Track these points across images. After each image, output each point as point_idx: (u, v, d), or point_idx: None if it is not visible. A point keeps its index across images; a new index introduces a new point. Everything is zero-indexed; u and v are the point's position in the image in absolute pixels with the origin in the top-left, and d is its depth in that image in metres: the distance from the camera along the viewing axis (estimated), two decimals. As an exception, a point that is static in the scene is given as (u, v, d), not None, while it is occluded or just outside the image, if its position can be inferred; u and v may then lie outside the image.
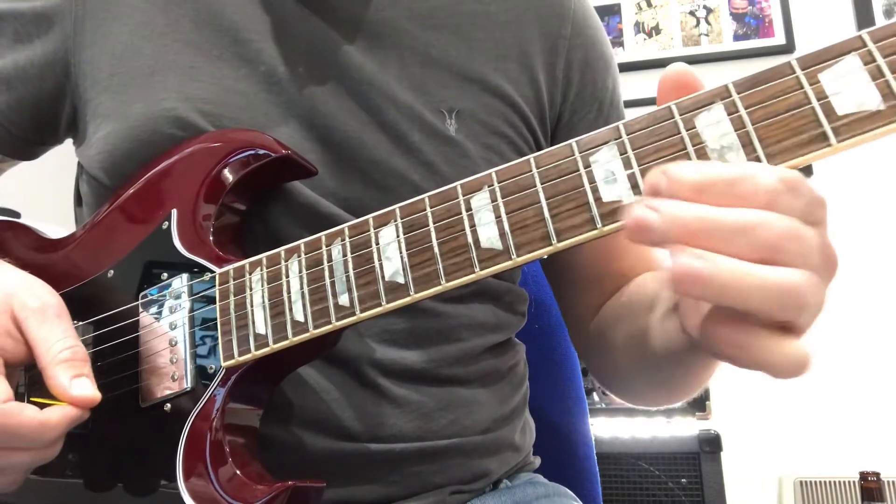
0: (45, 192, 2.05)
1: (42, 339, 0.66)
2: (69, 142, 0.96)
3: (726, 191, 0.44)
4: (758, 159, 0.47)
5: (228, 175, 0.76)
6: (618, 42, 3.04)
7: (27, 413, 0.62)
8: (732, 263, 0.43)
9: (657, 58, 3.00)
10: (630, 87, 2.75)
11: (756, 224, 0.43)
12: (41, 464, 0.65)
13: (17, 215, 1.73)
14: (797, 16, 2.90)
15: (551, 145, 0.90)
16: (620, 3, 3.09)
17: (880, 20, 2.75)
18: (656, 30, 3.04)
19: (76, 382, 0.65)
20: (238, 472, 0.64)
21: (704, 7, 3.00)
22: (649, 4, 3.07)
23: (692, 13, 3.01)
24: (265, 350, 0.64)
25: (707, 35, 2.96)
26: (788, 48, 2.87)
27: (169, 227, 0.76)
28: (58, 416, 0.63)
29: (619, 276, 0.93)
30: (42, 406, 0.63)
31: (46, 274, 0.74)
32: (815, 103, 0.46)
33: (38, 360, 0.66)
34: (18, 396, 0.65)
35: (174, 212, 0.77)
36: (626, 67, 2.98)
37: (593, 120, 0.92)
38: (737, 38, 2.94)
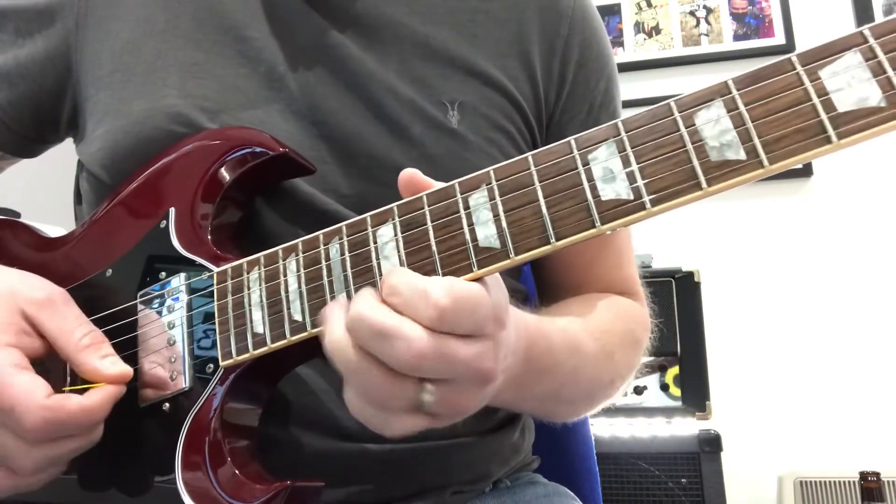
0: (45, 192, 2.05)
1: (60, 331, 0.68)
2: (69, 141, 0.96)
3: (406, 301, 0.52)
4: (757, 157, 0.47)
5: (226, 173, 0.76)
6: (618, 42, 3.04)
7: (71, 403, 0.63)
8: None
9: (657, 58, 3.00)
10: (630, 87, 2.76)
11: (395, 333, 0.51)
12: (87, 448, 0.67)
13: (17, 215, 1.73)
14: (797, 16, 2.90)
15: (545, 145, 0.90)
16: (620, 3, 3.09)
17: (880, 20, 2.74)
18: (656, 30, 3.03)
19: (108, 362, 0.67)
20: (237, 471, 0.64)
21: (704, 7, 3.00)
22: (649, 4, 3.06)
23: (692, 13, 3.00)
24: (263, 349, 0.64)
25: (707, 35, 2.96)
26: (788, 48, 2.86)
27: (167, 225, 0.76)
28: (101, 397, 0.65)
29: (592, 281, 0.94)
30: (78, 392, 0.65)
31: (45, 273, 0.74)
32: (815, 100, 0.46)
33: (60, 351, 0.68)
34: None
35: (172, 210, 0.76)
36: (626, 67, 2.98)
37: (582, 121, 0.92)
38: (737, 38, 2.94)
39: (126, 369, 0.68)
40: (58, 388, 0.68)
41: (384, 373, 0.53)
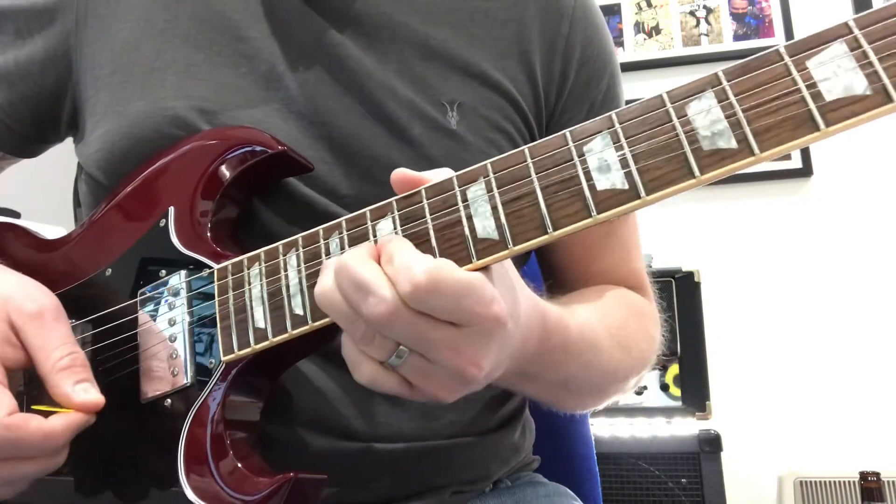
0: (45, 192, 2.05)
1: (41, 347, 0.66)
2: (69, 142, 0.96)
3: (394, 270, 0.53)
4: (748, 146, 0.48)
5: (225, 171, 0.76)
6: (618, 42, 3.04)
7: (32, 424, 0.62)
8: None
9: (657, 58, 3.00)
10: (630, 87, 2.75)
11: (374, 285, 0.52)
12: (47, 472, 0.66)
13: (17, 215, 1.74)
14: (797, 16, 2.90)
15: None
16: (620, 3, 3.10)
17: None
18: (656, 30, 3.04)
19: (79, 388, 0.65)
20: (239, 464, 0.64)
21: (704, 7, 3.00)
22: (649, 4, 3.07)
23: (692, 13, 3.01)
24: (265, 344, 0.64)
25: (707, 35, 2.96)
26: (788, 48, 2.87)
27: (166, 224, 0.76)
28: (63, 424, 0.64)
29: (598, 275, 0.94)
30: (45, 414, 0.64)
31: (44, 274, 0.74)
32: (803, 90, 0.47)
33: (38, 368, 0.66)
34: (17, 398, 0.65)
35: (171, 209, 0.77)
36: (626, 67, 2.98)
37: (582, 121, 0.92)
38: (737, 38, 2.94)
39: (96, 399, 0.66)
40: (35, 402, 0.68)
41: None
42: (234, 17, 0.84)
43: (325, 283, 0.56)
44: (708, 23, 2.98)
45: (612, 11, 3.09)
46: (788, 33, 2.89)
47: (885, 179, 2.68)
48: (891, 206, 2.68)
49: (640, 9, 3.08)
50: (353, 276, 0.53)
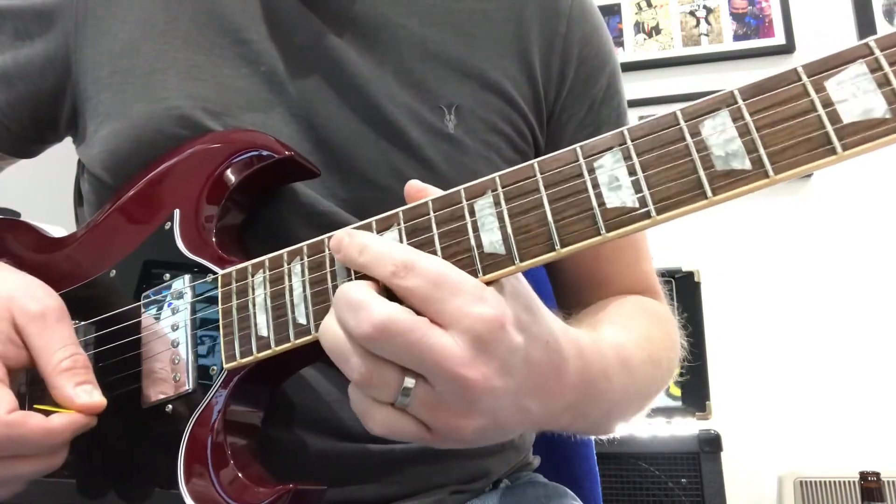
0: (45, 192, 2.05)
1: (43, 348, 0.66)
2: (69, 141, 0.96)
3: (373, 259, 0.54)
4: (763, 167, 0.47)
5: (231, 176, 0.76)
6: (618, 42, 3.04)
7: (32, 422, 0.62)
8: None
9: (657, 58, 3.00)
10: (630, 87, 2.76)
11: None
12: (46, 472, 0.66)
13: (17, 215, 1.73)
14: (797, 16, 2.90)
15: (543, 143, 0.89)
16: (620, 3, 3.09)
17: (880, 20, 2.75)
18: (656, 30, 3.03)
19: (81, 390, 0.65)
20: (239, 474, 0.64)
21: (704, 7, 3.00)
22: (649, 4, 3.07)
23: (692, 13, 3.01)
24: (267, 352, 0.64)
25: (707, 35, 2.96)
26: (788, 48, 2.87)
27: (171, 227, 0.76)
28: (64, 422, 0.64)
29: (609, 279, 0.93)
30: (47, 413, 0.64)
31: (48, 273, 0.74)
32: (821, 111, 0.46)
33: (40, 369, 0.66)
34: (20, 398, 0.65)
35: (177, 212, 0.76)
36: (626, 67, 2.98)
37: (582, 119, 0.92)
38: (737, 38, 2.94)
39: (98, 401, 0.66)
40: (37, 402, 0.68)
41: (364, 352, 0.52)
42: (234, 20, 0.84)
43: (328, 317, 0.55)
44: (708, 23, 2.98)
45: (612, 11, 3.08)
46: (788, 33, 2.89)
47: (884, 180, 2.68)
48: (890, 207, 2.68)
49: (640, 9, 3.08)
50: (347, 298, 0.52)
